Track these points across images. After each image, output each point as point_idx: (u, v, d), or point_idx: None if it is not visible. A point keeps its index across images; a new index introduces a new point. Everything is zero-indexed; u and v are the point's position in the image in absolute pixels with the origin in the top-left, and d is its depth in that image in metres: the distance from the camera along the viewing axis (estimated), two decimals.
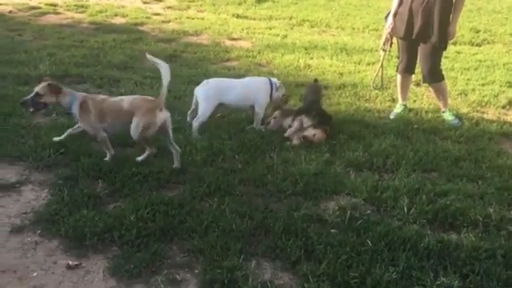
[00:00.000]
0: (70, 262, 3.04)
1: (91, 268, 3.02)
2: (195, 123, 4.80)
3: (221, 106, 4.97)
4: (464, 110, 5.86)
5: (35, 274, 2.97)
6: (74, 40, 8.14)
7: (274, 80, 5.18)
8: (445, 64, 6.61)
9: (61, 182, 3.88)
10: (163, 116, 4.10)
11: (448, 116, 5.47)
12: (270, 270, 3.05)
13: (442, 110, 5.56)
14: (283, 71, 7.02)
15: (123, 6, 11.05)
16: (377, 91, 6.13)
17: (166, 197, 3.69)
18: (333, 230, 3.38)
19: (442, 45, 5.21)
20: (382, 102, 5.98)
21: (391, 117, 5.53)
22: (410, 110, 5.71)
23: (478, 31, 10.16)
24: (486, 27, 10.59)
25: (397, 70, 5.65)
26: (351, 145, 4.67)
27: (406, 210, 3.62)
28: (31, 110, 4.14)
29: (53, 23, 9.41)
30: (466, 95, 6.32)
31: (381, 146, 4.62)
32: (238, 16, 10.82)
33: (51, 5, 10.81)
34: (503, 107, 5.99)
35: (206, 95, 4.88)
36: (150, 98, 4.25)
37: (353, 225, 3.44)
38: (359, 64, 7.54)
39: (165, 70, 4.12)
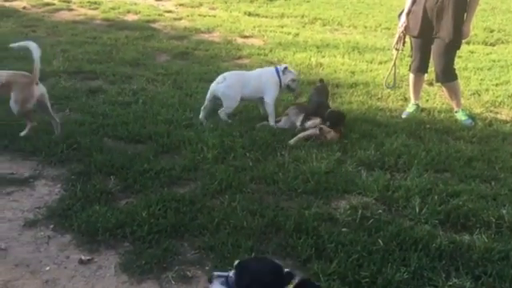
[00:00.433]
0: (83, 257, 3.07)
1: (103, 263, 3.05)
2: (222, 113, 4.98)
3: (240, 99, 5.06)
4: (477, 110, 5.81)
5: (48, 269, 3.00)
6: (87, 36, 8.19)
7: (280, 66, 5.16)
8: (458, 63, 6.56)
9: (73, 177, 3.91)
10: (40, 90, 4.42)
11: (461, 116, 5.43)
12: None
13: (455, 109, 5.52)
14: (295, 69, 6.99)
15: (136, 3, 11.09)
16: (389, 90, 6.10)
17: (178, 193, 3.71)
18: (344, 229, 3.37)
19: (455, 44, 5.17)
20: (394, 101, 5.95)
21: (403, 116, 5.50)
22: (423, 109, 5.68)
23: (491, 31, 10.06)
24: (500, 27, 10.48)
25: (409, 69, 5.62)
26: (363, 144, 4.65)
27: (417, 210, 3.60)
28: None
29: (66, 20, 9.47)
30: (480, 95, 6.27)
31: (393, 145, 4.60)
32: (249, 14, 10.81)
33: (65, 1, 10.88)
34: None
35: (229, 90, 4.95)
36: (25, 73, 4.49)
37: (364, 224, 3.43)
38: (371, 63, 7.50)
39: (32, 46, 4.41)
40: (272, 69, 5.21)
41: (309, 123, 4.87)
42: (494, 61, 7.87)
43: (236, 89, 4.98)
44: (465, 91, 6.23)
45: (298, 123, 4.98)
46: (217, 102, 5.04)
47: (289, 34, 9.10)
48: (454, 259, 3.11)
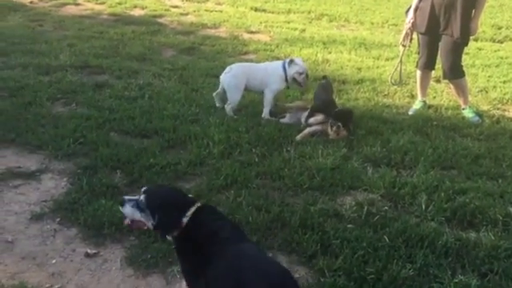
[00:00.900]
0: (89, 251, 3.08)
1: (109, 257, 3.06)
2: (228, 108, 5.04)
3: (245, 89, 5.10)
4: (484, 107, 5.77)
5: (54, 261, 3.01)
6: (93, 31, 8.20)
7: (287, 59, 5.13)
8: (466, 60, 6.51)
9: (80, 171, 3.93)
10: None
11: (468, 113, 5.40)
12: (286, 263, 3.04)
13: (462, 106, 5.49)
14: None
15: None
16: (395, 87, 6.07)
17: (184, 188, 3.70)
18: (349, 225, 3.36)
19: (463, 41, 5.13)
20: (400, 98, 5.92)
21: (410, 113, 5.47)
22: (430, 106, 5.65)
23: (499, 28, 9.98)
24: (509, 24, 10.40)
25: (416, 66, 5.58)
26: (369, 140, 4.63)
27: (423, 207, 3.59)
28: None
29: (73, 14, 9.50)
30: (487, 92, 6.23)
31: (399, 142, 4.58)
32: (256, 9, 10.79)
33: None
34: None
35: (234, 82, 5.02)
36: None
37: (370, 220, 3.42)
38: (378, 59, 7.47)
39: None
40: (279, 62, 5.22)
41: (311, 120, 4.85)
42: (501, 58, 7.81)
43: (240, 80, 5.02)
44: (472, 88, 6.19)
45: (303, 119, 4.97)
46: (226, 93, 5.12)
47: (295, 29, 9.07)
48: (460, 256, 3.10)
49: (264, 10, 10.77)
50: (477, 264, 3.04)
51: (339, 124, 4.64)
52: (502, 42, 9.13)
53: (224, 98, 5.18)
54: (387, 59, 7.43)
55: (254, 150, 4.35)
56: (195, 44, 7.85)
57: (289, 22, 9.67)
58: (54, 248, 3.12)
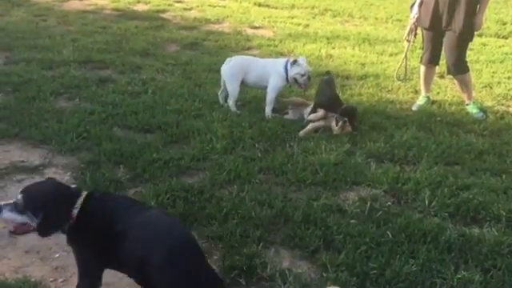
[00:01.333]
0: None
1: None
2: (230, 102, 5.08)
3: (242, 82, 5.10)
4: (489, 103, 5.75)
5: (57, 255, 3.03)
6: (97, 26, 8.19)
7: (291, 59, 5.08)
8: (470, 56, 6.48)
9: (83, 165, 3.94)
10: None
11: (472, 109, 5.38)
12: (289, 258, 3.06)
13: (466, 102, 5.47)
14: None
15: None
16: (399, 82, 6.05)
17: (186, 183, 3.72)
18: (352, 221, 3.36)
19: (467, 36, 5.11)
20: (404, 94, 5.90)
21: (414, 108, 5.45)
22: (434, 102, 5.63)
23: (504, 23, 9.91)
24: None
25: (421, 61, 5.56)
26: (372, 136, 4.63)
27: (427, 202, 3.58)
28: None
29: (76, 9, 9.48)
30: (491, 88, 6.20)
31: (402, 137, 4.57)
32: (259, 4, 10.74)
33: None
34: None
35: (230, 73, 5.06)
36: None
37: (373, 216, 3.42)
38: (382, 54, 7.44)
39: None
40: (282, 60, 5.16)
41: (311, 116, 4.84)
42: (506, 54, 7.77)
43: (237, 71, 5.04)
44: (476, 84, 6.16)
45: (306, 115, 4.96)
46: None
47: (299, 25, 9.04)
48: (463, 252, 3.10)
49: (267, 5, 10.72)
50: (480, 260, 3.03)
51: (345, 119, 4.63)
52: (506, 38, 9.07)
53: (227, 96, 5.18)
54: (391, 55, 7.40)
55: (257, 146, 4.35)
56: (198, 39, 7.84)
57: (292, 18, 9.64)
58: (58, 242, 3.11)
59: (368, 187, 3.84)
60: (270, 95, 5.02)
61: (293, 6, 10.72)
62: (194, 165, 4.02)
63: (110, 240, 2.32)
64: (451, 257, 3.05)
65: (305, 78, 4.98)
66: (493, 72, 6.80)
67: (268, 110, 5.02)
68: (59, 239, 3.11)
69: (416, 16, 5.24)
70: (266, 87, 5.08)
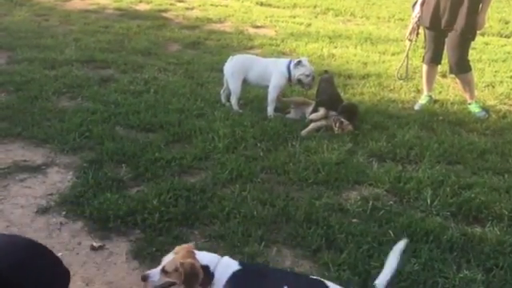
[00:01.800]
0: (94, 244, 3.10)
1: (114, 250, 3.07)
2: (232, 101, 5.11)
3: (244, 81, 5.13)
4: (491, 102, 5.74)
5: (60, 254, 3.01)
6: (99, 26, 8.20)
7: (295, 60, 5.08)
8: (472, 55, 6.47)
9: (85, 165, 3.94)
10: None
11: (474, 108, 5.37)
12: (291, 257, 3.06)
13: (469, 101, 5.46)
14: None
15: None
16: (401, 82, 6.05)
17: (188, 182, 3.72)
18: (354, 220, 3.36)
19: (469, 35, 5.10)
20: (406, 93, 5.90)
21: (416, 108, 5.45)
22: (436, 101, 5.62)
23: (507, 22, 9.91)
24: None
25: (423, 61, 5.56)
26: (374, 135, 4.62)
27: (429, 201, 3.58)
28: None
29: (78, 9, 9.50)
30: (494, 87, 6.19)
31: (404, 136, 4.57)
32: (261, 4, 10.75)
33: None
34: None
35: (232, 71, 5.11)
36: None
37: (375, 215, 3.42)
38: (384, 54, 7.44)
39: None
40: (284, 60, 5.16)
41: (312, 115, 4.84)
42: (508, 53, 7.77)
43: (239, 70, 5.08)
44: (479, 83, 6.16)
45: (308, 114, 4.96)
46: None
47: (301, 24, 9.05)
48: (465, 251, 3.10)
49: (269, 5, 10.73)
50: (482, 259, 3.03)
51: (341, 120, 4.63)
52: (509, 37, 9.07)
53: (229, 95, 5.19)
54: (393, 54, 7.40)
55: (259, 145, 4.35)
56: (200, 38, 7.84)
57: (294, 17, 9.65)
58: (60, 241, 3.14)
59: (370, 186, 3.84)
60: (272, 94, 5.02)
61: (295, 6, 10.73)
62: (195, 164, 4.03)
63: None
64: (453, 256, 3.05)
65: (309, 78, 5.00)
66: (495, 71, 6.80)
67: (270, 109, 5.03)
68: (61, 238, 3.14)
69: (418, 15, 5.24)
70: (267, 86, 5.08)
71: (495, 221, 3.42)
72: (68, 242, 3.13)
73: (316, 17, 9.98)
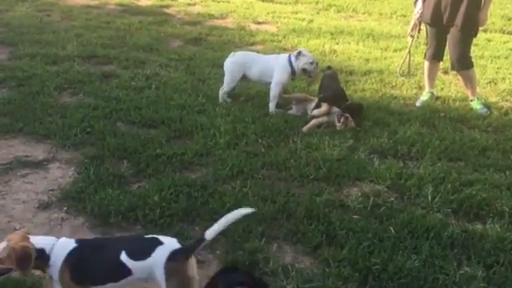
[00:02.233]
0: None
1: None
2: (221, 92, 5.20)
3: (244, 77, 5.16)
4: (493, 99, 5.73)
5: None
6: (100, 21, 8.19)
7: (294, 53, 5.08)
8: (474, 52, 6.46)
9: (87, 160, 3.95)
10: None
11: (476, 105, 5.36)
12: (291, 253, 3.07)
13: (470, 98, 5.45)
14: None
15: None
16: (403, 78, 6.03)
17: (189, 178, 3.72)
18: (355, 216, 3.37)
19: (471, 31, 5.08)
20: (408, 89, 5.88)
21: (417, 104, 5.44)
22: (437, 97, 5.61)
23: (509, 19, 9.86)
24: None
25: (425, 57, 5.54)
26: (376, 131, 4.62)
27: (430, 198, 3.58)
28: None
29: (80, 4, 9.48)
30: (496, 84, 6.17)
31: (406, 133, 4.56)
32: (263, 0, 10.72)
33: None
34: None
35: (231, 66, 5.13)
36: None
37: (375, 211, 3.42)
38: (386, 50, 7.41)
39: None
40: (284, 56, 5.16)
41: (315, 111, 4.83)
42: (511, 49, 7.72)
43: (238, 67, 5.10)
44: (481, 80, 6.14)
45: (310, 111, 4.96)
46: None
47: (303, 20, 9.02)
48: (465, 248, 3.10)
49: (271, 1, 10.68)
50: (483, 256, 3.03)
51: (347, 115, 4.63)
52: (511, 34, 9.03)
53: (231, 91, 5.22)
54: (395, 50, 7.38)
55: (260, 141, 4.35)
56: (202, 34, 7.83)
57: (296, 13, 9.62)
58: (61, 236, 3.14)
59: (371, 183, 3.84)
60: (274, 91, 5.01)
61: (297, 2, 10.69)
62: (197, 160, 4.03)
63: None
64: (454, 253, 3.05)
65: (314, 65, 5.04)
66: (497, 68, 6.77)
67: (272, 105, 5.02)
68: (63, 233, 3.14)
69: (420, 11, 5.22)
70: (269, 83, 5.07)
71: (496, 218, 3.42)
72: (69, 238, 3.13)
73: (318, 13, 9.95)
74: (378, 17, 9.86)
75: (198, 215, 3.33)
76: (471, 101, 5.42)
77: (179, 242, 2.39)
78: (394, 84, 6.01)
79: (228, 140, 4.29)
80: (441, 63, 5.65)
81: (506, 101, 5.71)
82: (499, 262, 2.97)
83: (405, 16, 9.61)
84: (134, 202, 3.37)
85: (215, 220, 3.22)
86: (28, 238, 2.30)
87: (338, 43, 7.65)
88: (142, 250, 2.32)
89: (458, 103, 5.49)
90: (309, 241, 3.12)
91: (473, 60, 5.35)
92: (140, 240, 2.53)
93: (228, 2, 10.27)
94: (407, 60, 5.68)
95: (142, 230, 3.19)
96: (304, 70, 5.03)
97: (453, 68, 5.40)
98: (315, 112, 4.83)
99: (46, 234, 3.13)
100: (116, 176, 3.71)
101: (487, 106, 5.41)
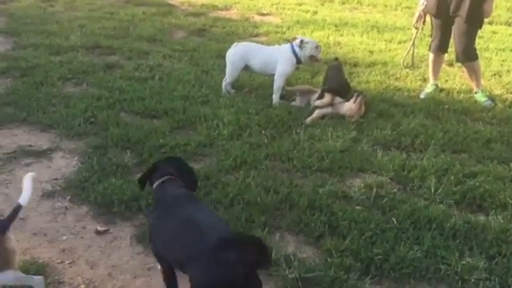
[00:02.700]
0: (99, 228, 3.13)
1: (118, 234, 3.10)
2: (224, 83, 5.18)
3: (247, 68, 5.15)
4: (497, 91, 5.69)
5: (65, 238, 3.06)
6: (104, 12, 8.19)
7: (295, 41, 5.03)
8: (479, 44, 6.42)
9: (90, 150, 3.96)
10: None
11: (480, 97, 5.33)
12: (294, 243, 3.07)
13: (475, 90, 5.42)
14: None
15: None
16: (407, 70, 6.01)
17: (193, 168, 3.72)
18: (358, 207, 3.37)
19: (476, 23, 5.04)
20: (412, 81, 5.86)
21: (421, 96, 5.42)
22: (442, 89, 5.58)
23: None
24: None
25: (429, 49, 5.51)
26: (379, 123, 4.61)
27: (433, 189, 3.57)
28: None
29: None
30: (501, 76, 6.14)
31: (410, 125, 4.55)
32: None
33: None
34: None
35: (233, 57, 5.10)
36: None
37: (378, 202, 3.42)
38: (390, 42, 7.37)
39: None
40: (287, 46, 5.14)
41: (317, 102, 4.82)
42: None
43: (240, 57, 5.07)
44: (485, 72, 6.10)
45: (313, 102, 4.95)
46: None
47: (307, 11, 8.98)
48: (468, 239, 3.10)
49: None
50: (485, 247, 3.03)
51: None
52: None
53: (234, 82, 5.21)
54: (400, 42, 7.33)
55: (263, 132, 4.35)
56: (206, 26, 7.81)
57: (300, 4, 9.57)
58: (65, 225, 3.17)
59: (374, 174, 3.83)
60: (278, 82, 5.00)
61: None
62: (200, 150, 4.04)
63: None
64: (456, 243, 3.05)
65: (319, 49, 5.07)
66: (502, 60, 6.73)
67: (276, 96, 5.01)
68: (66, 222, 3.17)
69: (425, 3, 5.18)
70: (271, 74, 5.06)
71: (499, 209, 3.41)
72: (73, 227, 3.16)
73: (322, 4, 9.89)
74: (382, 8, 9.80)
75: None
76: (475, 93, 5.40)
77: None
78: (398, 76, 5.99)
79: (231, 131, 4.29)
80: (446, 55, 5.62)
81: (511, 93, 5.67)
82: (501, 253, 2.97)
83: (410, 8, 9.54)
84: (137, 192, 3.36)
85: (218, 210, 3.28)
86: None
87: (342, 35, 7.62)
88: None
89: (462, 95, 5.47)
90: (311, 231, 3.13)
91: (478, 52, 5.32)
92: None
93: None
94: (411, 52, 5.65)
95: (144, 219, 3.20)
96: (311, 57, 5.02)
97: (457, 59, 5.37)
98: (318, 102, 4.82)
99: (50, 222, 3.17)
100: (119, 166, 3.73)
101: (491, 98, 5.38)
